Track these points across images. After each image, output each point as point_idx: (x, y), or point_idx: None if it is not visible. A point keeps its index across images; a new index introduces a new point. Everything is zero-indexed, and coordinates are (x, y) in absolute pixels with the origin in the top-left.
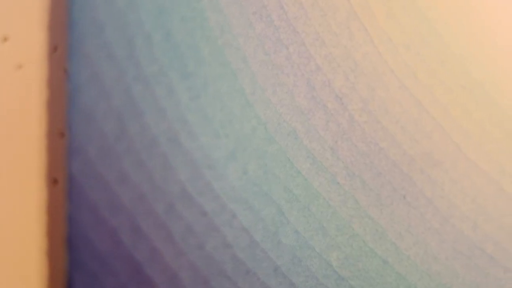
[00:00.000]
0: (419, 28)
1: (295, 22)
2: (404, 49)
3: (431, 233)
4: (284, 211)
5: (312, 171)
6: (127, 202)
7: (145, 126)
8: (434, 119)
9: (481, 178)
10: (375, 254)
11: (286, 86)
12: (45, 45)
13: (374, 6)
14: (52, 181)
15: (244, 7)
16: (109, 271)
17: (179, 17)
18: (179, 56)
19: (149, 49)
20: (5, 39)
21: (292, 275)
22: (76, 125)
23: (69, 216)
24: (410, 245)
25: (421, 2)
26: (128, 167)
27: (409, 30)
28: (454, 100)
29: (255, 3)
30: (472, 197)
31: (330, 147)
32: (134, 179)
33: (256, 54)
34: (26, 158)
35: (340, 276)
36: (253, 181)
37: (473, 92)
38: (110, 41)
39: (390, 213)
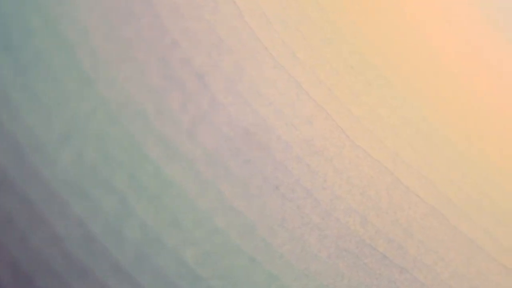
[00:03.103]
0: (299, 2)
1: None
2: (281, 26)
3: (310, 228)
4: (129, 201)
5: (165, 156)
6: None
7: None
8: (315, 102)
9: (372, 167)
10: (241, 251)
11: (135, 62)
12: None
13: None
14: None
15: None
16: None
17: None
18: (2, 27)
19: None
20: None
21: (138, 274)
22: None
23: None
24: (284, 241)
25: None
26: None
27: (287, 4)
28: (340, 82)
29: None
30: (361, 189)
31: (187, 130)
32: None
33: (99, 27)
34: None
35: (198, 275)
36: (90, 166)
37: (363, 74)
38: None
39: (260, 206)
